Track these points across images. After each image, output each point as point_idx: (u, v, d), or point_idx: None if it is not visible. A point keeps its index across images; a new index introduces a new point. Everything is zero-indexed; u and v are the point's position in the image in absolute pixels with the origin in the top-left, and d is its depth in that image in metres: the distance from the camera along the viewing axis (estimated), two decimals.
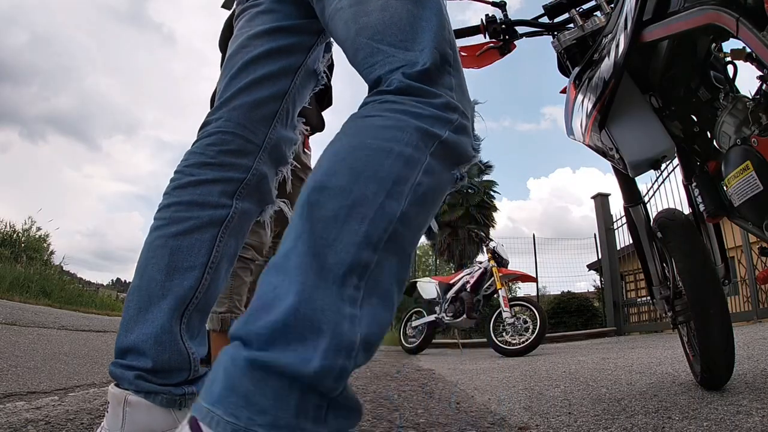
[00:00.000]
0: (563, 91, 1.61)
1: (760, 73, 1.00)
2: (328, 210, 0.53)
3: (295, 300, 0.48)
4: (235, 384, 0.46)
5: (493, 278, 4.68)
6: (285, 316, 0.48)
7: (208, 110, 0.94)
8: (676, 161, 1.44)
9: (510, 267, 4.91)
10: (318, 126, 1.93)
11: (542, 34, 1.65)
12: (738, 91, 1.15)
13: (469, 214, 17.73)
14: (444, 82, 0.66)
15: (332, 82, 1.96)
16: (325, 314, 0.48)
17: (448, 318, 4.89)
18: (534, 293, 8.83)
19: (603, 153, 1.38)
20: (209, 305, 0.88)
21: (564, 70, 1.62)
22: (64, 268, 10.31)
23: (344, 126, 0.63)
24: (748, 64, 1.04)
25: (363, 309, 0.51)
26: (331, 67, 1.69)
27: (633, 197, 1.65)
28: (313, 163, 1.92)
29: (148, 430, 0.78)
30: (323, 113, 1.96)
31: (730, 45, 1.14)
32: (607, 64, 1.24)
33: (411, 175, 0.57)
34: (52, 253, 10.06)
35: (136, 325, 0.80)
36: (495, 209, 18.87)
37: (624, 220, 5.36)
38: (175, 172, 0.90)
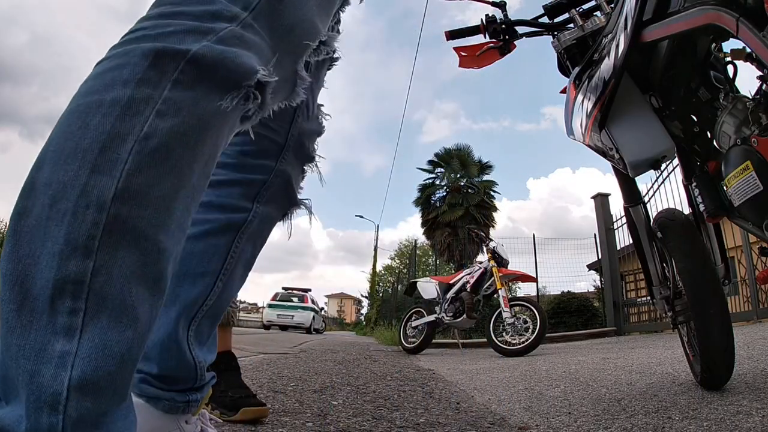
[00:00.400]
0: (563, 91, 1.61)
1: (760, 73, 1.00)
2: (32, 217, 0.41)
3: None
4: None
5: (493, 278, 4.68)
6: None
7: None
8: (676, 161, 1.44)
9: (510, 267, 4.91)
10: None
11: (542, 34, 1.65)
12: (738, 91, 1.15)
13: (469, 214, 17.73)
14: None
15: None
16: (20, 363, 0.38)
17: (448, 318, 4.88)
18: (534, 293, 8.84)
19: (603, 153, 1.38)
20: (221, 311, 0.83)
21: (564, 70, 1.62)
22: None
23: None
24: (748, 64, 1.04)
25: (84, 337, 0.39)
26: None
27: (633, 197, 1.65)
28: None
29: None
30: None
31: (730, 45, 1.14)
32: (607, 64, 1.24)
33: (131, 127, 0.42)
34: None
35: None
36: (495, 209, 18.89)
37: (624, 220, 5.35)
38: None
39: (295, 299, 17.09)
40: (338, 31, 0.87)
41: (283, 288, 18.59)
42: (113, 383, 0.40)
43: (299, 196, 0.90)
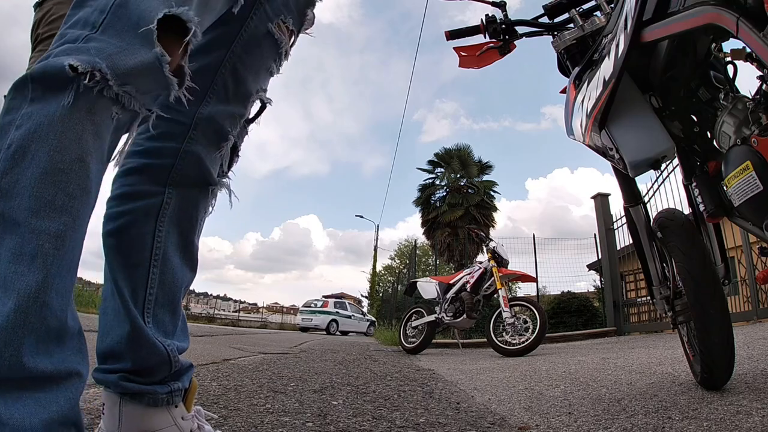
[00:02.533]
0: (563, 91, 1.61)
1: (760, 73, 1.00)
2: None
3: None
4: None
5: (493, 278, 4.68)
6: None
7: None
8: (676, 161, 1.44)
9: (510, 267, 4.91)
10: None
11: (542, 34, 1.65)
12: (738, 91, 1.15)
13: (469, 214, 17.73)
14: (82, 10, 0.62)
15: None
16: None
17: (448, 318, 4.89)
18: (534, 293, 8.84)
19: (603, 153, 1.38)
20: (174, 298, 0.85)
21: (564, 70, 1.62)
22: None
23: None
24: (748, 64, 1.04)
25: None
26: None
27: (633, 197, 1.65)
28: None
29: (144, 430, 0.79)
30: None
31: (730, 45, 1.14)
32: (607, 64, 1.24)
33: (1, 146, 0.54)
34: None
35: (109, 329, 0.81)
36: (495, 209, 18.90)
37: (624, 220, 5.36)
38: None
39: (315, 305, 20.00)
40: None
41: (324, 296, 21.68)
42: None
43: (220, 175, 0.91)
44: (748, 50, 1.00)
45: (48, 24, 1.31)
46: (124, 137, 0.65)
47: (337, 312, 19.63)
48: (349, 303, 21.85)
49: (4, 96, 0.57)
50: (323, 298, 20.69)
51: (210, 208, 0.92)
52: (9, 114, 0.55)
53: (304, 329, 18.62)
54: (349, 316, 20.12)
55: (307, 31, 0.99)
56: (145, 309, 0.81)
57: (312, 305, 20.08)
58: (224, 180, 0.92)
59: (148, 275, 0.81)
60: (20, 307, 0.49)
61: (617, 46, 1.19)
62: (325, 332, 17.97)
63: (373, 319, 20.85)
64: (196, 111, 0.85)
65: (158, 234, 0.83)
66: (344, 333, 18.92)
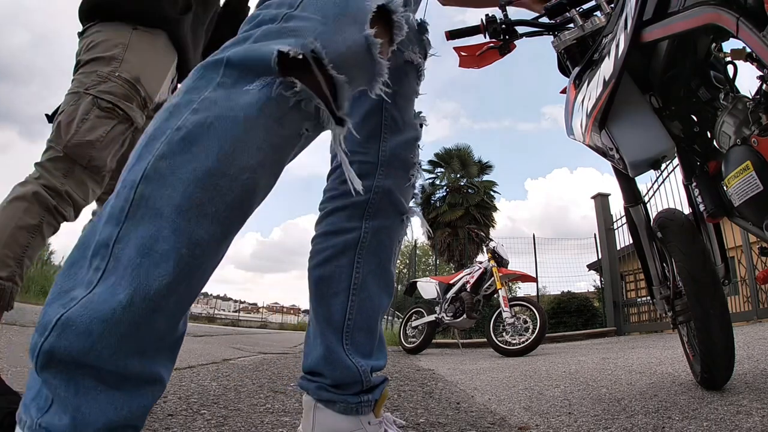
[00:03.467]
0: (563, 91, 1.61)
1: (760, 73, 1.00)
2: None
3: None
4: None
5: (493, 278, 4.68)
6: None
7: None
8: (676, 161, 1.44)
9: (510, 267, 4.91)
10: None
11: (542, 34, 1.65)
12: (738, 91, 1.15)
13: (469, 214, 17.73)
14: None
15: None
16: (50, 296, 0.47)
17: (448, 318, 4.88)
18: (534, 293, 8.84)
19: (603, 153, 1.38)
20: (371, 323, 0.93)
21: (564, 70, 1.62)
22: None
23: None
24: (748, 64, 1.04)
25: (93, 291, 0.45)
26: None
27: (633, 197, 1.65)
28: None
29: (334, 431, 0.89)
30: None
31: (730, 45, 1.14)
32: (607, 64, 1.24)
33: (170, 125, 0.49)
34: (52, 253, 10.06)
35: (310, 350, 0.92)
36: (495, 209, 18.90)
37: (624, 220, 5.36)
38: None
39: None
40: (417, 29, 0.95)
41: None
42: (88, 338, 0.44)
43: (410, 203, 0.99)
44: (748, 50, 1.00)
45: (88, 50, 1.32)
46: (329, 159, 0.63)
47: None
48: None
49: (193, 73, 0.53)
50: None
51: (404, 235, 0.99)
52: (189, 93, 0.51)
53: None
54: None
55: (431, 53, 1.04)
56: (344, 333, 0.90)
57: None
58: (415, 209, 1.00)
59: (348, 303, 0.90)
60: (132, 304, 0.44)
61: (617, 46, 1.19)
62: None
63: None
64: (378, 148, 0.94)
65: (357, 265, 0.91)
66: None
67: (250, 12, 0.59)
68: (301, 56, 0.50)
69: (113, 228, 0.46)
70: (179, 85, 0.54)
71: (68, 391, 0.44)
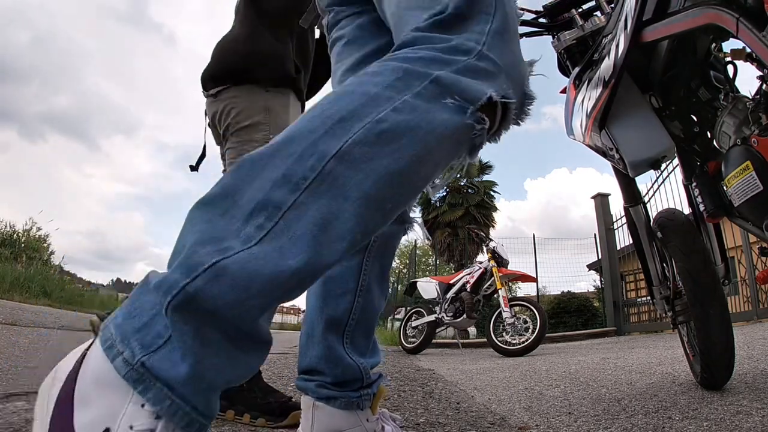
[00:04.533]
0: (563, 91, 1.61)
1: (760, 73, 1.00)
2: (264, 150, 0.50)
3: (181, 229, 0.48)
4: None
5: (493, 278, 4.68)
6: (176, 248, 0.47)
7: None
8: (676, 161, 1.44)
9: (510, 267, 4.91)
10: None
11: (542, 34, 1.65)
12: (738, 91, 1.15)
13: (469, 214, 17.73)
14: (466, 27, 0.60)
15: None
16: (191, 242, 0.45)
17: (448, 318, 4.89)
18: (534, 293, 8.84)
19: (603, 153, 1.38)
20: (369, 324, 0.96)
21: (564, 70, 1.62)
22: (64, 268, 10.34)
23: None
24: (748, 64, 1.04)
25: (253, 248, 0.44)
26: None
27: (633, 197, 1.65)
28: None
29: (333, 430, 0.90)
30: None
31: (730, 45, 1.14)
32: (607, 64, 1.24)
33: (369, 112, 0.50)
34: (51, 253, 10.07)
35: (308, 349, 0.93)
36: (495, 209, 18.89)
37: (624, 220, 5.36)
38: None
39: None
40: None
41: None
42: (243, 292, 0.43)
43: (411, 213, 1.00)
44: (748, 50, 1.00)
45: (235, 117, 1.47)
46: None
47: None
48: None
49: (377, 64, 0.56)
50: None
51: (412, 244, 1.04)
52: (388, 90, 0.52)
53: None
54: None
55: None
56: (345, 332, 0.92)
57: None
58: (417, 219, 1.02)
59: (353, 304, 0.92)
60: (300, 272, 0.45)
61: (617, 46, 1.19)
62: None
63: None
64: None
65: (365, 268, 0.94)
66: None
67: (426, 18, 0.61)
68: (499, 103, 0.56)
69: (288, 192, 0.46)
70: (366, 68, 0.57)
71: (195, 340, 0.42)
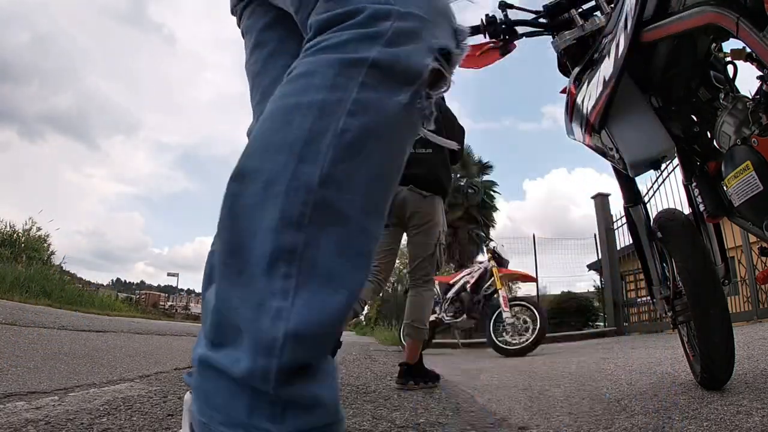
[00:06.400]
0: (563, 91, 1.61)
1: (760, 73, 1.00)
2: (248, 198, 0.48)
3: (215, 301, 0.48)
4: (199, 383, 0.48)
5: (493, 278, 4.68)
6: (213, 318, 0.48)
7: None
8: (676, 161, 1.44)
9: (510, 267, 4.91)
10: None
11: (542, 34, 1.65)
12: (738, 91, 1.15)
13: (469, 214, 17.72)
14: None
15: None
16: (241, 312, 0.46)
17: (448, 318, 4.89)
18: (534, 293, 8.84)
19: (603, 153, 1.38)
20: None
21: (564, 70, 1.62)
22: (64, 268, 10.33)
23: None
24: (748, 64, 1.04)
25: (297, 298, 0.44)
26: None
27: (633, 197, 1.65)
28: None
29: None
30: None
31: (730, 45, 1.14)
32: (607, 64, 1.24)
33: (328, 125, 0.48)
34: (52, 253, 10.06)
35: None
36: (495, 209, 18.87)
37: (624, 220, 5.35)
38: None
39: None
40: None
41: None
42: (321, 338, 0.46)
43: None
44: (748, 50, 1.00)
45: (434, 213, 2.48)
46: None
47: None
48: None
49: (304, 60, 0.52)
50: None
51: None
52: (335, 91, 0.49)
53: None
54: None
55: None
56: None
57: None
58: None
59: None
60: (349, 302, 0.47)
61: (617, 46, 1.19)
62: None
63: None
64: None
65: None
66: None
67: None
68: (438, 68, 0.53)
69: (294, 234, 0.46)
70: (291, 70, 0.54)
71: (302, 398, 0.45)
